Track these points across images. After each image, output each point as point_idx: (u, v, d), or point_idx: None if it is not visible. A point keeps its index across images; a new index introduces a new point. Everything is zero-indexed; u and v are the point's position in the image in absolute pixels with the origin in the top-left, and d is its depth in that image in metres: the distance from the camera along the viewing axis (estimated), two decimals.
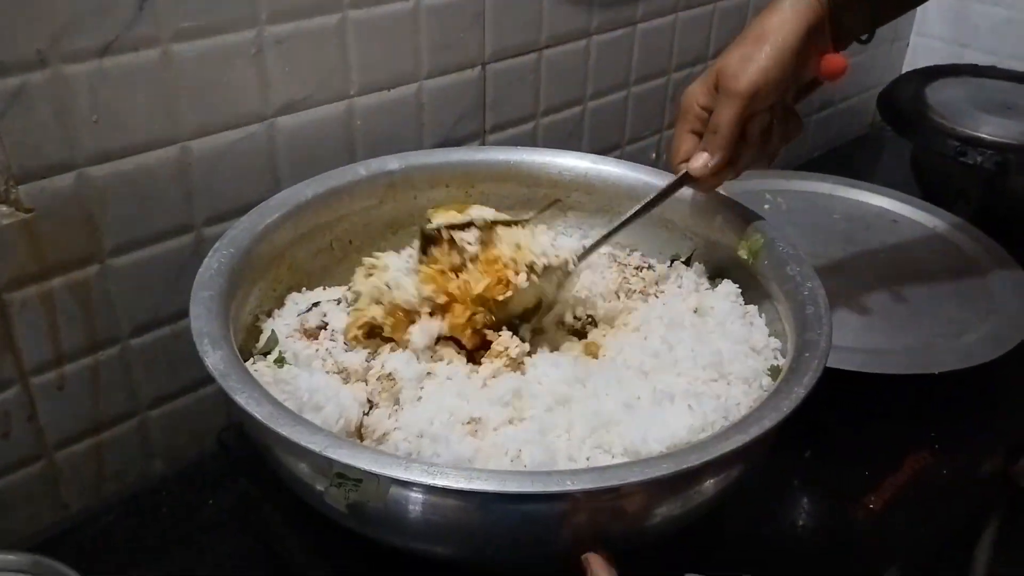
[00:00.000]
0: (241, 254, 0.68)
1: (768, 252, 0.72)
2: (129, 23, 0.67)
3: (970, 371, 0.81)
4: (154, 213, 0.75)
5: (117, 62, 0.68)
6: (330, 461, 0.49)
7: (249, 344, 0.69)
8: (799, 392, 0.55)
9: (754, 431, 0.52)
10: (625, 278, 0.77)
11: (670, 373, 0.63)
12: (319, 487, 0.53)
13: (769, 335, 0.69)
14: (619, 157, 1.12)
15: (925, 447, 0.81)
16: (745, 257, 0.73)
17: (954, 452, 0.82)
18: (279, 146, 0.81)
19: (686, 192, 0.80)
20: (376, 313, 0.66)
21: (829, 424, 0.82)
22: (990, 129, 1.13)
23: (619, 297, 0.73)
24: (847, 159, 1.44)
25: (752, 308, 0.72)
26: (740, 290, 0.74)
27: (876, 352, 0.83)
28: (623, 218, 0.73)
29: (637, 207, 0.73)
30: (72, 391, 0.76)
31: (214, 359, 0.56)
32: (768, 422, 0.52)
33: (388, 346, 0.65)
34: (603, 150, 1.12)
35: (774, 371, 0.65)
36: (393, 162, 0.82)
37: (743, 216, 0.75)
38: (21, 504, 0.77)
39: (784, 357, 0.66)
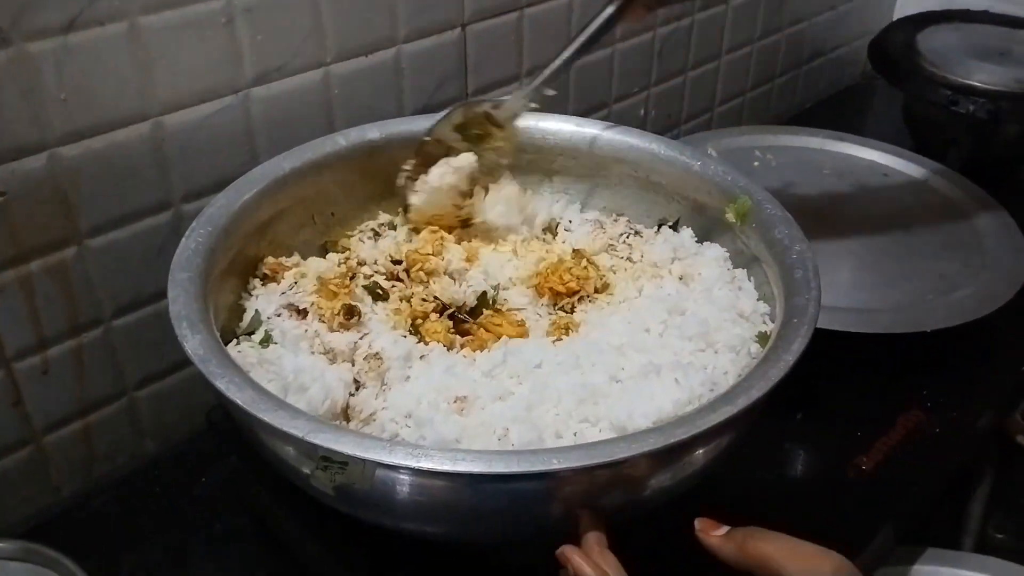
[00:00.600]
0: (219, 232, 0.66)
1: (756, 214, 0.70)
2: None
3: (962, 327, 0.81)
4: (130, 191, 0.74)
5: (83, 37, 0.66)
6: (314, 446, 0.48)
7: (232, 324, 0.68)
8: (787, 359, 0.54)
9: (741, 402, 0.51)
10: (612, 244, 0.76)
11: (656, 345, 0.62)
12: (305, 470, 0.52)
13: (758, 299, 0.68)
14: (607, 116, 1.12)
15: (917, 405, 0.81)
16: (733, 220, 0.72)
17: (946, 409, 0.81)
18: (255, 118, 0.79)
19: (673, 154, 0.78)
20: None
21: (820, 385, 0.81)
22: (982, 77, 1.11)
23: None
24: (838, 110, 1.42)
25: (740, 272, 0.71)
26: (728, 254, 0.73)
27: (867, 311, 0.82)
28: (567, 50, 0.74)
29: (582, 36, 0.73)
30: (57, 375, 0.75)
31: (193, 343, 0.55)
32: (756, 392, 0.52)
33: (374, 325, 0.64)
34: (590, 110, 1.10)
35: (762, 338, 0.64)
36: (373, 131, 0.80)
37: (731, 178, 0.74)
38: (11, 489, 0.77)
39: (773, 323, 0.65)
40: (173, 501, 0.80)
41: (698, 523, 0.53)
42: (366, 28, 0.83)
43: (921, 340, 0.80)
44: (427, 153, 0.78)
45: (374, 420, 0.57)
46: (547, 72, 0.75)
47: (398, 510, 0.53)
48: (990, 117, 1.08)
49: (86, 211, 0.72)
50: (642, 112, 1.18)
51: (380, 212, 0.82)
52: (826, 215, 0.98)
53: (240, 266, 0.71)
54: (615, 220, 0.79)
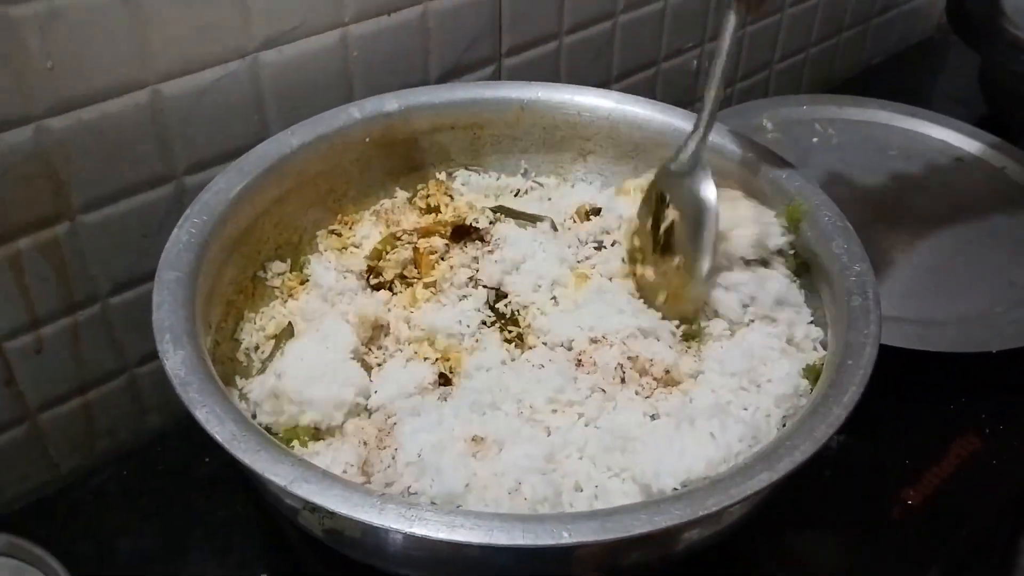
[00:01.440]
0: (215, 222, 0.61)
1: (811, 222, 0.63)
2: None
3: None
4: (126, 165, 0.68)
5: None
6: (296, 497, 0.43)
7: (228, 322, 0.62)
8: (838, 414, 0.48)
9: (783, 467, 0.45)
10: None
11: (699, 386, 0.56)
12: (293, 505, 0.48)
13: (810, 321, 0.60)
14: (655, 75, 1.03)
15: (973, 430, 0.73)
16: (785, 225, 0.64)
17: (1007, 436, 0.74)
18: (265, 85, 0.73)
19: (721, 141, 0.70)
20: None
21: (865, 403, 0.74)
22: None
23: None
24: (907, 70, 1.30)
25: (793, 287, 0.63)
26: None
27: (925, 323, 0.75)
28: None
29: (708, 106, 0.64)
30: (52, 353, 0.72)
31: (174, 362, 0.50)
32: (800, 455, 0.46)
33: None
34: (636, 68, 1.01)
35: (810, 371, 0.57)
36: (391, 102, 0.73)
37: (786, 175, 0.65)
38: (7, 466, 0.74)
39: (822, 348, 0.58)
40: (175, 482, 0.77)
41: None
42: None
43: (984, 359, 0.72)
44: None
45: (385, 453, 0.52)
46: (706, 121, 0.65)
47: (391, 559, 0.48)
48: None
49: (78, 186, 0.67)
50: (695, 67, 1.09)
51: (398, 189, 0.76)
52: (888, 205, 0.89)
53: (243, 251, 0.66)
54: None
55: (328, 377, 0.55)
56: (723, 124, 0.71)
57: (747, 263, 0.62)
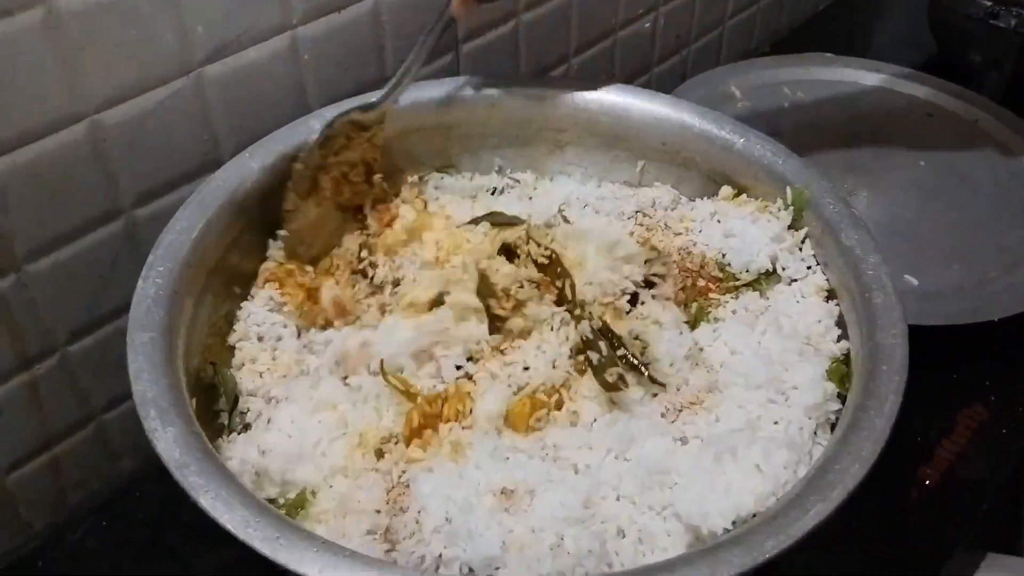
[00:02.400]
0: (181, 267, 0.55)
1: (815, 212, 0.60)
2: None
3: None
4: (70, 204, 0.63)
5: None
6: None
7: (207, 371, 0.57)
8: (882, 428, 0.46)
9: (837, 496, 0.43)
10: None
11: (724, 402, 0.53)
12: None
13: (819, 320, 0.58)
14: (613, 45, 0.99)
15: (979, 399, 0.72)
16: (785, 213, 0.62)
17: (1014, 404, 0.73)
18: (212, 101, 0.67)
19: (708, 126, 0.67)
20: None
21: None
22: None
23: None
24: (855, 15, 1.28)
25: (803, 277, 0.61)
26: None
27: (924, 295, 0.73)
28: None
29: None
30: (12, 412, 0.67)
31: (165, 442, 0.45)
32: (852, 479, 0.44)
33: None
34: (595, 39, 0.97)
35: (836, 373, 0.55)
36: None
37: (782, 161, 0.63)
38: None
39: (844, 341, 0.56)
40: (157, 529, 0.72)
41: None
42: None
43: (983, 328, 0.71)
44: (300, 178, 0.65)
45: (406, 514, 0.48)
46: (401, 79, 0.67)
47: None
48: None
49: (21, 234, 0.61)
50: (650, 31, 1.05)
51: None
52: (867, 169, 0.87)
53: (214, 290, 0.61)
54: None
55: (318, 459, 0.51)
56: (692, 94, 0.68)
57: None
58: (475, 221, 0.64)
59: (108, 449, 0.75)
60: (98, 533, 0.72)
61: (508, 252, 0.61)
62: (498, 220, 0.64)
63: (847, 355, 0.56)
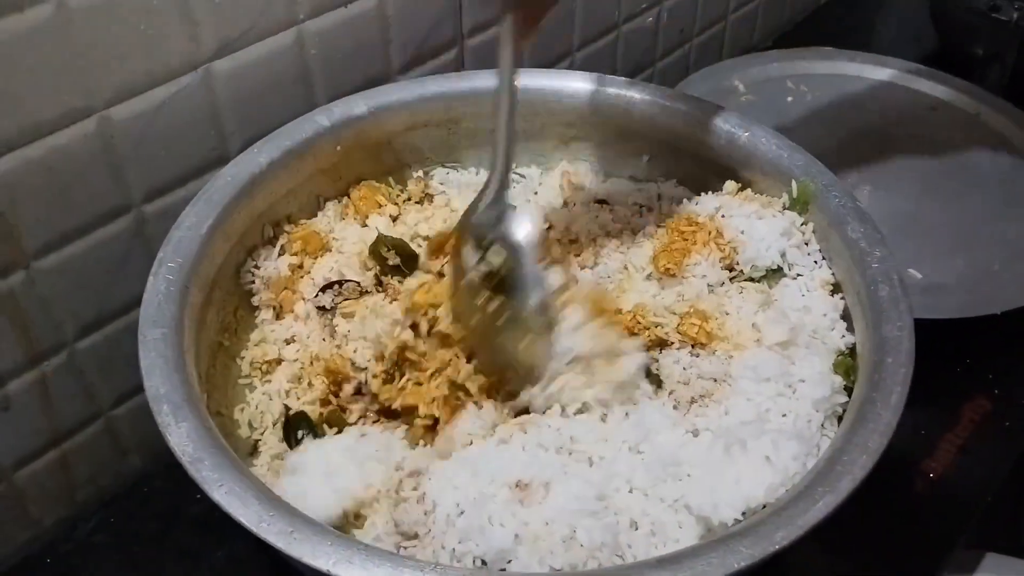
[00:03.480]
0: (192, 262, 0.56)
1: (821, 205, 0.60)
2: None
3: None
4: (80, 200, 0.63)
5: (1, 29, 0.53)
6: None
7: (216, 368, 0.58)
8: (889, 420, 0.46)
9: (845, 486, 0.43)
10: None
11: (733, 395, 0.53)
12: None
13: (824, 314, 0.58)
14: (616, 39, 0.99)
15: (983, 392, 0.73)
16: (790, 208, 0.62)
17: (1016, 396, 0.73)
18: (219, 96, 0.67)
19: (712, 120, 0.67)
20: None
21: None
22: None
23: None
24: (856, 9, 1.28)
25: (808, 271, 0.61)
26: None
27: (928, 289, 0.73)
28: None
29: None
30: (21, 409, 0.66)
31: (179, 437, 0.46)
32: (860, 470, 0.44)
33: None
34: (598, 34, 0.97)
35: (842, 365, 0.55)
36: (359, 105, 0.69)
37: (787, 155, 0.63)
38: None
39: (849, 331, 0.57)
40: (165, 524, 0.72)
41: None
42: None
43: (987, 320, 0.71)
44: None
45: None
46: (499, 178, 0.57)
47: None
48: None
49: (30, 230, 0.61)
50: (654, 26, 1.05)
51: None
52: (872, 163, 0.87)
53: (223, 287, 0.61)
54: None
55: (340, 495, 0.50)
56: (696, 88, 0.68)
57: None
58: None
59: (117, 445, 0.75)
60: (106, 529, 0.72)
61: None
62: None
63: (852, 349, 0.57)
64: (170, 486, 0.74)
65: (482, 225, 0.55)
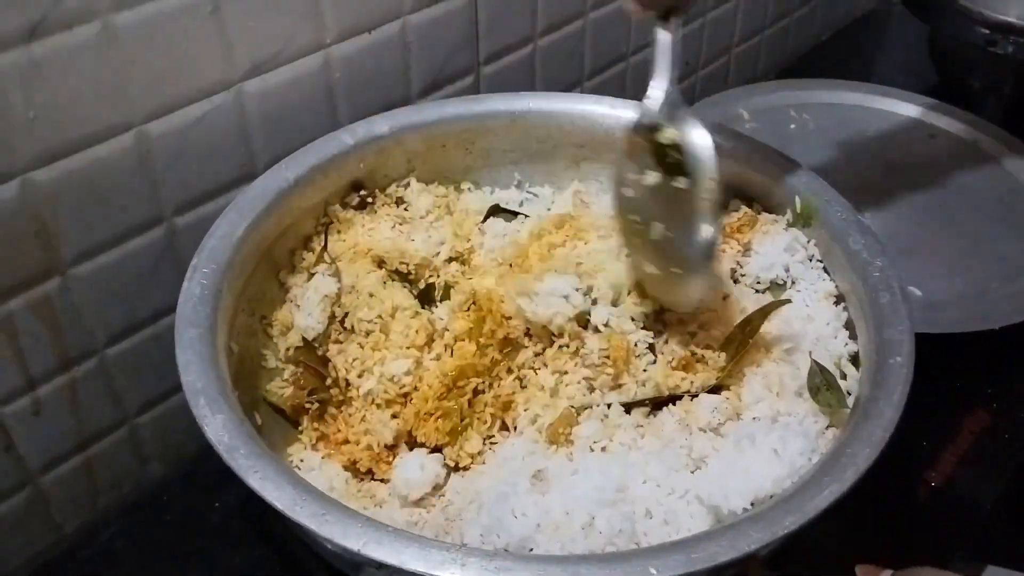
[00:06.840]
0: (224, 268, 0.58)
1: (824, 218, 0.63)
2: None
3: None
4: (116, 211, 0.66)
5: (49, 45, 0.57)
6: (371, 560, 0.42)
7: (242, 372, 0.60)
8: (891, 416, 0.48)
9: (850, 476, 0.45)
10: None
11: (744, 395, 0.56)
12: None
13: (827, 323, 0.61)
14: (624, 69, 1.03)
15: (982, 405, 0.75)
16: (793, 223, 0.65)
17: (1015, 410, 0.75)
18: (250, 114, 0.70)
19: (720, 140, 0.70)
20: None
21: None
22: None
23: None
24: (855, 44, 1.32)
25: (812, 284, 0.64)
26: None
27: (928, 305, 0.76)
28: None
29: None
30: (50, 413, 0.68)
31: (215, 427, 0.48)
32: (864, 461, 0.46)
33: None
34: (607, 64, 1.01)
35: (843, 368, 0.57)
36: (381, 124, 0.72)
37: (787, 169, 0.66)
38: (11, 533, 0.71)
39: (851, 339, 0.59)
40: (187, 529, 0.74)
41: (859, 571, 0.49)
42: (369, 1, 0.73)
43: (985, 336, 0.74)
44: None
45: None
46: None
47: None
48: None
49: (68, 238, 0.64)
50: None
51: None
52: (873, 188, 0.90)
53: (249, 294, 0.64)
54: None
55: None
56: (701, 115, 0.70)
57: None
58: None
59: (139, 453, 0.77)
60: (127, 535, 0.73)
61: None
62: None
63: (855, 356, 0.59)
64: (189, 495, 0.76)
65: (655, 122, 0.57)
